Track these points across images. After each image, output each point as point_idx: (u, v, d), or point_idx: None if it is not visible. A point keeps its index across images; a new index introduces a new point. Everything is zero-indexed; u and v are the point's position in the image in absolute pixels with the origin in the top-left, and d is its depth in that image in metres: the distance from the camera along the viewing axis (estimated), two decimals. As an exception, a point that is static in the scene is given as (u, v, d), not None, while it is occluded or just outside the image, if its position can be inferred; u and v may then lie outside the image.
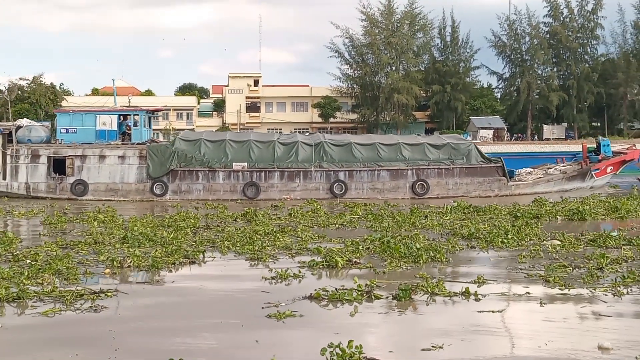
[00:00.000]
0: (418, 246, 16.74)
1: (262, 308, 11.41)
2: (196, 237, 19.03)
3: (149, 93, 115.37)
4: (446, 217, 23.58)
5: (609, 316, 11.10)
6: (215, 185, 33.27)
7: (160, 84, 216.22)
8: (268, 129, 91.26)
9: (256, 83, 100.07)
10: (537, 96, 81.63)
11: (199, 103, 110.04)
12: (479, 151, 35.83)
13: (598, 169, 37.41)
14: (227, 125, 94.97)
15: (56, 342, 9.85)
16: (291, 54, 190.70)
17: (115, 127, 35.42)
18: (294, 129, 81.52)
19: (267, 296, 12.35)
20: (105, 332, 10.27)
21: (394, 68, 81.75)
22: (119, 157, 33.40)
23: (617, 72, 78.71)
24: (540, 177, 36.47)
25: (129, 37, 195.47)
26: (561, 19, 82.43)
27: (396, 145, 34.89)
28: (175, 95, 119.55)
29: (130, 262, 14.89)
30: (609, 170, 37.98)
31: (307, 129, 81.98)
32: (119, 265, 14.72)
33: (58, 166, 33.38)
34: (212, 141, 34.23)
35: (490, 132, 74.60)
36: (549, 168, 38.15)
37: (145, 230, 19.26)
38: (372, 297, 12.14)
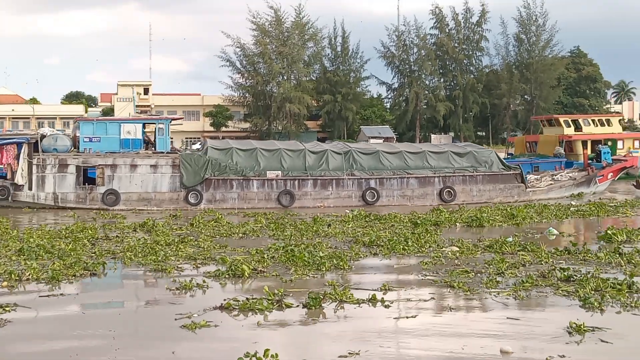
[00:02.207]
0: (322, 254, 16.82)
1: (175, 319, 11.19)
2: (95, 248, 18.50)
3: (33, 101, 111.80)
4: (348, 225, 23.80)
5: (516, 319, 11.44)
6: (250, 193, 33.20)
7: (46, 92, 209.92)
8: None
9: (146, 91, 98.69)
10: (425, 106, 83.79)
11: (86, 111, 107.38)
12: (500, 159, 37.23)
13: (602, 175, 39.21)
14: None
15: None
16: (183, 63, 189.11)
17: (139, 135, 34.79)
18: (185, 138, 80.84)
19: (175, 307, 12.12)
20: (14, 346, 9.92)
21: (285, 77, 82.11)
22: (151, 166, 32.93)
23: (501, 83, 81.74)
24: (552, 184, 37.78)
25: (14, 44, 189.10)
26: (447, 30, 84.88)
27: (422, 153, 35.82)
28: (62, 103, 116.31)
29: (29, 274, 14.31)
30: (609, 176, 39.99)
31: (198, 138, 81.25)
32: (17, 278, 14.12)
33: (87, 176, 32.61)
34: (243, 150, 34.19)
35: (380, 141, 75.83)
36: (553, 175, 39.55)
37: (42, 242, 18.58)
38: (283, 305, 12.11)
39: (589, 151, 47.02)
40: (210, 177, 32.98)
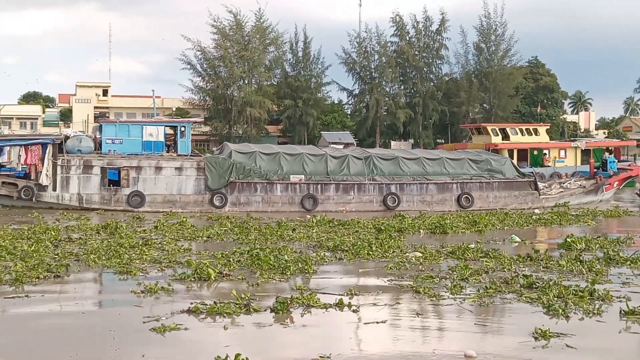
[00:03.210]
0: (287, 258, 16.84)
1: (144, 322, 11.11)
2: (58, 250, 18.24)
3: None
4: (313, 229, 23.84)
5: (483, 324, 11.58)
6: (274, 197, 33.60)
7: (1, 91, 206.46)
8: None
9: (105, 93, 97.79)
10: (385, 113, 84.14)
11: (44, 112, 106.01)
12: (515, 166, 38.27)
13: (609, 184, 40.05)
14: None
15: None
16: (142, 65, 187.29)
17: (162, 138, 34.88)
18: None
19: (141, 310, 12.04)
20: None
21: (246, 81, 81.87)
22: (176, 168, 33.11)
23: (460, 92, 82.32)
24: (562, 191, 38.35)
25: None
26: (407, 38, 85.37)
27: (440, 160, 36.52)
28: (19, 103, 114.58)
29: (-9, 276, 14.12)
30: (615, 185, 40.85)
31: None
32: (-22, 280, 13.92)
33: (113, 177, 32.49)
34: (266, 154, 34.53)
35: (341, 147, 75.81)
36: (561, 182, 40.15)
37: (4, 243, 18.29)
38: (251, 309, 12.10)
39: (515, 160, 47.95)
40: (235, 180, 33.38)
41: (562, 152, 55.37)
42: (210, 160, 33.78)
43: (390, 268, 16.51)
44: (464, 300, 13.23)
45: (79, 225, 24.25)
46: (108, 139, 34.56)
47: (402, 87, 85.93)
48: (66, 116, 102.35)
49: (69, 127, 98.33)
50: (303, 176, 34.13)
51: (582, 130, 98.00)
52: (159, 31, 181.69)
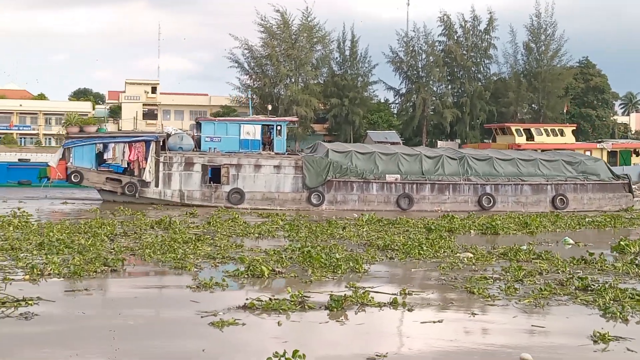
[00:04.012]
0: (338, 256, 16.87)
1: (201, 317, 11.24)
2: (114, 244, 18.55)
3: (41, 97, 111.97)
4: (363, 228, 23.86)
5: (541, 327, 11.47)
6: (370, 196, 34.23)
7: (54, 88, 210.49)
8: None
9: (154, 90, 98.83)
10: (432, 112, 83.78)
11: (94, 109, 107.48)
12: (609, 168, 38.34)
13: None
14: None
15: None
16: (190, 62, 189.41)
17: (258, 137, 35.69)
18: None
19: (198, 305, 12.16)
20: (50, 337, 10.00)
21: (293, 80, 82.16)
22: (275, 166, 33.98)
23: (509, 92, 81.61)
24: None
25: (21, 40, 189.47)
26: (455, 37, 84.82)
27: (534, 161, 36.88)
28: (70, 100, 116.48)
29: (51, 269, 14.35)
30: None
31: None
32: (39, 272, 14.16)
33: (213, 174, 33.47)
34: (362, 153, 35.19)
35: (388, 146, 75.88)
36: None
37: (62, 237, 18.63)
38: (306, 307, 12.14)
39: None
40: (332, 179, 33.91)
41: (588, 154, 54.65)
42: (308, 159, 34.41)
43: (443, 268, 16.45)
44: (519, 301, 13.11)
45: (134, 220, 24.61)
46: (207, 137, 35.48)
47: (450, 86, 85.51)
48: (115, 113, 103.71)
49: (117, 124, 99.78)
50: (399, 175, 34.41)
51: (632, 132, 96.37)
52: (206, 29, 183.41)
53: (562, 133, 55.61)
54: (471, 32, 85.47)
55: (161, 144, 33.98)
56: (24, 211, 26.07)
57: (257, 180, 33.85)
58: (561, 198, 35.74)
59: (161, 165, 33.52)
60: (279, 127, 36.69)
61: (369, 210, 32.60)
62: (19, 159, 51.24)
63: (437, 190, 34.82)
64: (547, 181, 36.08)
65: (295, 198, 33.93)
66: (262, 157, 34.45)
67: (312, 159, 34.44)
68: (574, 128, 61.15)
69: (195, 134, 36.10)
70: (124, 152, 34.31)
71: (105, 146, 35.57)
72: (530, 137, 54.11)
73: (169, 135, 34.92)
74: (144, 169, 33.38)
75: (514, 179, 35.73)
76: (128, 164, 34.39)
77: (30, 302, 11.81)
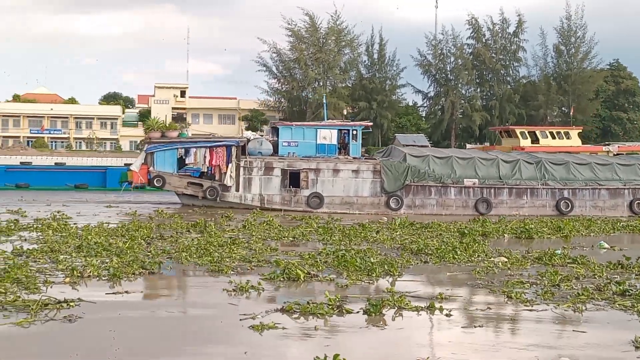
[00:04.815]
0: (373, 260, 16.87)
1: (240, 320, 11.31)
2: (150, 247, 18.71)
3: (72, 101, 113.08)
4: (396, 232, 23.85)
5: (582, 331, 11.40)
6: (448, 200, 34.41)
7: (84, 92, 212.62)
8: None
9: (183, 94, 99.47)
10: (461, 115, 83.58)
11: (123, 112, 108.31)
12: None
13: None
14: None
15: (46, 353, 9.53)
16: (219, 66, 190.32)
17: (335, 141, 36.06)
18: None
19: (236, 308, 12.23)
20: (93, 339, 10.13)
21: (321, 83, 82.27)
22: (353, 171, 34.27)
23: (538, 94, 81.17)
24: None
25: (51, 44, 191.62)
26: (483, 40, 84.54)
27: (610, 165, 36.73)
28: (100, 104, 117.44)
29: (90, 271, 14.52)
30: None
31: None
32: (79, 274, 14.34)
33: (292, 179, 33.97)
34: (439, 157, 35.36)
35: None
36: None
37: (100, 240, 18.83)
38: (343, 310, 12.15)
39: None
40: (410, 183, 34.05)
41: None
42: (387, 163, 34.54)
43: (478, 272, 16.39)
44: (557, 306, 13.03)
45: (170, 223, 24.78)
46: (284, 141, 35.87)
47: (479, 89, 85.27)
48: (145, 117, 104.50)
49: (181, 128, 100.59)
50: (477, 180, 34.51)
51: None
52: (234, 33, 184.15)
53: (567, 136, 55.01)
54: (500, 35, 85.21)
55: (243, 148, 34.43)
56: (63, 214, 26.40)
57: (335, 184, 34.12)
58: (639, 202, 35.55)
59: (242, 169, 33.98)
60: (354, 132, 36.83)
61: (447, 214, 33.03)
62: (21, 162, 51.72)
63: (515, 194, 34.85)
64: (625, 185, 35.87)
65: (374, 202, 34.11)
66: (341, 162, 34.76)
67: (390, 163, 34.57)
68: (580, 130, 60.41)
69: (272, 139, 36.26)
70: (205, 156, 34.87)
71: (187, 151, 36.25)
72: (535, 139, 53.67)
73: (248, 140, 35.40)
74: (225, 173, 33.80)
75: (592, 183, 35.60)
76: (208, 168, 35.00)
77: (71, 304, 11.94)
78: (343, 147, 36.62)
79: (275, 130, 37.31)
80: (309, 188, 33.97)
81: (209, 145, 34.84)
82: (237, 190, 33.94)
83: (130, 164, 50.12)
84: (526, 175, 35.20)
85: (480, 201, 34.38)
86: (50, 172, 46.97)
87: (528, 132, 55.34)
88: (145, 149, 34.96)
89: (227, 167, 33.81)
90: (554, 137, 54.04)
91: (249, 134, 38.26)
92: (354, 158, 35.83)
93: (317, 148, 35.95)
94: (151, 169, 34.11)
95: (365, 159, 36.39)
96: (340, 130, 37.02)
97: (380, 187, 34.10)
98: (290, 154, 35.30)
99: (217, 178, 34.19)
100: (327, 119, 41.59)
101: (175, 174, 34.61)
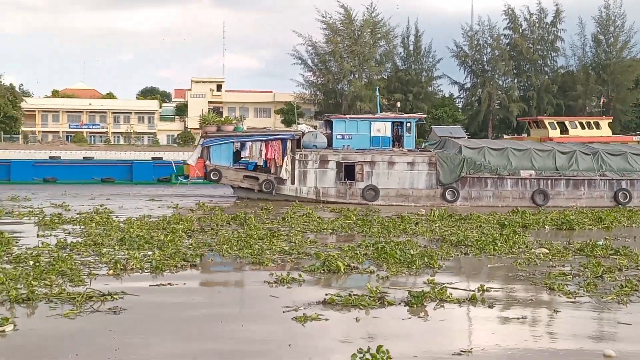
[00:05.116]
0: (412, 252, 16.84)
1: (283, 312, 11.39)
2: (192, 240, 18.89)
3: (110, 96, 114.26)
4: (435, 224, 23.80)
5: (628, 324, 11.30)
6: (504, 192, 34.39)
7: (121, 87, 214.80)
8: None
9: (219, 88, 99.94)
10: (498, 106, 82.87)
11: (160, 107, 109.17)
12: None
13: None
14: (189, 129, 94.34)
15: (99, 343, 9.69)
16: (254, 60, 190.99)
17: (389, 134, 36.15)
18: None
19: (278, 300, 12.31)
20: (139, 330, 10.30)
21: (356, 76, 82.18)
22: (408, 163, 34.37)
23: (577, 85, 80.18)
24: None
25: (89, 39, 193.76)
26: (520, 31, 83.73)
27: None
28: (137, 98, 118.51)
29: (133, 264, 14.71)
30: None
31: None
32: (122, 267, 14.54)
33: (347, 171, 34.28)
34: (495, 149, 35.37)
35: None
36: None
37: (142, 233, 19.05)
38: (385, 302, 12.17)
39: None
40: (466, 175, 34.10)
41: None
42: (442, 155, 34.52)
43: (519, 264, 16.30)
44: (601, 298, 12.92)
45: (211, 216, 24.96)
46: (338, 134, 35.95)
47: (516, 80, 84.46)
48: (181, 111, 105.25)
49: (183, 121, 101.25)
50: (533, 171, 34.38)
51: None
52: (269, 26, 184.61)
53: (597, 126, 54.14)
54: (537, 25, 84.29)
55: (298, 142, 34.72)
56: (106, 207, 26.83)
57: (390, 177, 34.15)
58: None
59: (297, 163, 34.27)
60: (408, 124, 36.77)
61: (504, 206, 32.78)
62: (50, 157, 52.39)
63: (572, 185, 34.63)
64: None
65: (430, 194, 34.13)
66: (396, 154, 34.77)
67: (446, 155, 34.54)
68: (610, 121, 59.39)
69: (325, 132, 36.47)
70: (261, 150, 35.16)
71: (243, 144, 36.44)
72: (564, 130, 52.95)
73: (303, 134, 35.59)
74: (281, 166, 34.13)
75: None
76: (264, 161, 35.27)
77: (115, 296, 12.11)
78: (397, 139, 36.57)
79: (328, 124, 37.36)
80: (364, 181, 34.05)
81: (264, 138, 35.14)
82: (293, 183, 34.23)
83: (158, 158, 50.74)
84: (583, 167, 34.87)
85: (537, 192, 34.20)
86: (77, 166, 47.62)
87: (557, 122, 54.70)
88: (201, 143, 35.32)
89: (282, 160, 34.11)
90: (583, 128, 53.35)
91: (303, 127, 38.37)
92: (409, 150, 35.79)
93: (371, 141, 35.86)
94: (207, 162, 34.50)
95: (419, 151, 36.38)
96: (394, 122, 36.94)
97: (435, 179, 34.10)
98: (345, 147, 35.36)
99: (272, 171, 34.54)
100: (380, 112, 41.39)
101: (232, 167, 35.03)
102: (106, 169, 46.92)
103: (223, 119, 37.81)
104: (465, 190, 34.14)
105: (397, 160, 34.39)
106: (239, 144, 36.22)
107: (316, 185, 34.15)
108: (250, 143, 36.23)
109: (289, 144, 34.43)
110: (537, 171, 34.45)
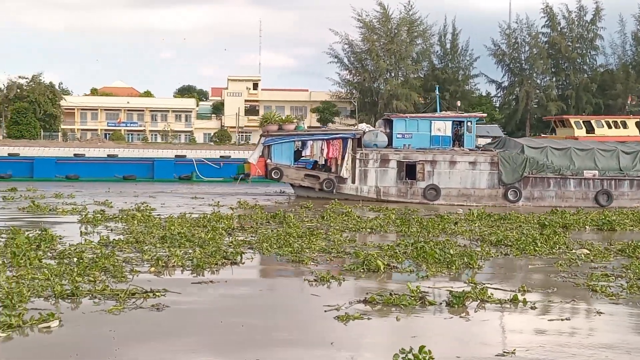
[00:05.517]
0: (452, 252, 16.77)
1: (325, 311, 11.41)
2: (232, 238, 19.01)
3: (147, 94, 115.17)
4: (475, 224, 23.68)
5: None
6: (567, 192, 34.36)
7: (159, 85, 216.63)
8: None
9: (255, 86, 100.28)
10: (536, 105, 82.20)
11: (197, 105, 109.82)
12: None
13: None
14: (225, 128, 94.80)
15: (143, 340, 9.82)
16: (291, 58, 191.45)
17: (449, 133, 36.22)
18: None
19: (318, 299, 12.33)
20: (182, 328, 10.37)
21: (392, 74, 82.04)
22: (470, 163, 34.47)
23: (616, 83, 79.18)
24: None
25: (127, 38, 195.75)
26: (559, 29, 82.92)
27: None
28: (175, 97, 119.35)
29: (174, 261, 14.84)
30: None
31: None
32: (163, 264, 14.67)
33: (408, 171, 34.42)
34: (557, 149, 35.32)
35: (489, 140, 74.76)
36: None
37: (182, 230, 19.21)
38: (426, 302, 12.13)
39: None
40: (529, 175, 34.04)
41: None
42: (505, 155, 34.43)
43: (560, 265, 16.16)
44: (645, 299, 12.77)
45: (251, 214, 25.10)
46: (399, 133, 35.99)
47: (554, 79, 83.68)
48: (218, 109, 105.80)
49: (220, 119, 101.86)
50: (596, 171, 34.15)
51: None
52: (305, 24, 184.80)
53: (624, 125, 53.22)
54: (576, 23, 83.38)
55: (359, 141, 34.83)
56: (147, 205, 27.12)
57: (452, 176, 34.14)
58: None
59: (357, 162, 34.38)
60: (469, 123, 36.67)
61: (567, 206, 32.39)
62: (74, 154, 52.92)
63: (637, 186, 34.39)
64: None
65: (491, 194, 34.06)
66: (457, 154, 34.72)
67: (508, 155, 34.42)
68: (639, 120, 58.46)
69: (385, 131, 36.47)
70: (322, 149, 35.44)
71: (304, 143, 36.68)
72: (590, 129, 52.22)
73: (364, 133, 35.66)
74: (341, 165, 34.27)
75: None
76: (325, 160, 35.60)
77: (157, 293, 12.21)
78: (457, 138, 36.42)
79: (388, 123, 37.25)
80: (425, 180, 34.04)
81: (325, 137, 35.42)
82: (353, 182, 34.33)
83: (182, 156, 51.16)
84: None
85: (600, 193, 33.95)
86: (100, 163, 48.18)
87: (583, 121, 54.01)
88: (262, 141, 35.60)
89: (343, 159, 34.18)
90: (610, 127, 52.57)
91: (364, 126, 38.51)
92: (470, 150, 35.65)
93: (431, 140, 35.80)
94: (268, 161, 34.87)
95: (481, 150, 36.19)
96: (454, 121, 36.82)
97: (497, 179, 33.99)
98: (405, 146, 35.28)
99: (333, 170, 34.73)
100: (440, 111, 41.29)
101: (293, 166, 35.35)
102: (128, 166, 47.40)
103: (284, 118, 38.19)
104: (527, 190, 33.96)
105: (459, 159, 34.30)
106: (300, 142, 36.44)
107: (377, 184, 34.19)
108: (311, 142, 36.38)
109: (350, 143, 34.55)
110: (601, 171, 34.13)
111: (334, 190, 34.10)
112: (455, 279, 14.42)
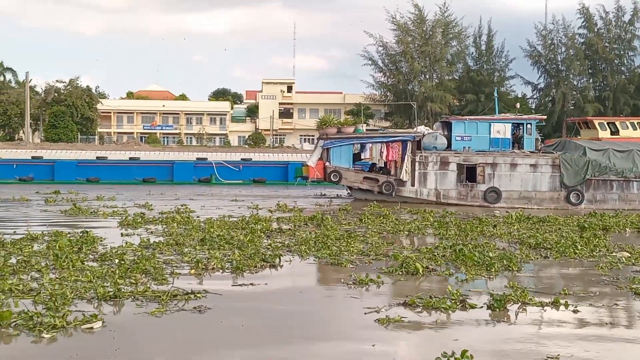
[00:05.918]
0: (491, 255, 16.65)
1: (365, 314, 11.40)
2: (270, 240, 19.09)
3: (183, 97, 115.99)
4: (514, 226, 23.51)
5: None
6: (630, 195, 34.35)
7: (194, 88, 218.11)
8: (300, 136, 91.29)
9: (289, 89, 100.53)
10: (572, 107, 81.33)
11: (232, 108, 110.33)
12: None
13: None
14: (259, 130, 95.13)
15: (188, 342, 9.85)
16: (324, 61, 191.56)
17: (509, 135, 36.20)
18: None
19: (358, 301, 12.33)
20: (226, 330, 10.45)
21: (427, 76, 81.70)
22: (531, 165, 34.40)
23: (655, 84, 78.07)
24: None
25: (162, 41, 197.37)
26: (595, 30, 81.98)
27: None
28: (209, 100, 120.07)
29: (214, 264, 14.92)
30: None
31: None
32: (203, 266, 14.76)
33: (468, 173, 34.57)
34: (620, 151, 35.17)
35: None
36: None
37: (222, 233, 19.33)
38: (467, 305, 12.06)
39: None
40: (591, 177, 33.85)
41: None
42: (567, 157, 34.22)
43: (602, 268, 15.97)
44: (691, 304, 12.57)
45: (290, 217, 25.18)
46: (458, 136, 35.97)
47: (591, 80, 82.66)
48: (252, 112, 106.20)
49: (254, 122, 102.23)
50: None
51: None
52: (338, 27, 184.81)
53: None
54: (613, 24, 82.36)
55: (418, 143, 34.90)
56: (187, 207, 27.33)
57: (513, 179, 34.02)
58: None
59: (417, 164, 34.42)
60: (528, 126, 36.42)
61: (630, 209, 32.20)
62: (97, 157, 53.48)
63: None
64: None
65: (553, 197, 33.92)
66: (518, 156, 34.54)
67: (570, 157, 34.19)
68: None
69: (443, 133, 36.50)
70: (381, 152, 35.65)
71: (363, 146, 37.02)
72: (615, 131, 51.48)
73: (423, 135, 35.74)
74: (401, 168, 34.32)
75: None
76: (385, 163, 35.78)
77: (198, 295, 12.28)
78: (516, 141, 36.19)
79: (446, 125, 37.19)
80: (486, 183, 33.94)
81: (385, 140, 35.52)
82: (413, 185, 34.33)
83: (202, 159, 51.47)
84: None
85: None
86: (120, 166, 48.59)
87: (607, 123, 53.33)
88: (321, 144, 35.74)
89: (402, 162, 34.11)
90: (635, 128, 51.84)
91: (423, 128, 38.52)
92: (530, 152, 35.34)
93: (491, 142, 35.57)
94: (327, 164, 35.06)
95: (542, 152, 35.92)
96: (513, 124, 36.60)
97: (559, 181, 33.79)
98: (465, 149, 35.18)
99: (392, 173, 34.81)
100: (499, 113, 41.07)
101: (351, 169, 35.53)
102: (148, 169, 47.84)
103: (343, 121, 38.44)
104: (590, 193, 33.71)
105: (520, 162, 34.08)
106: (359, 145, 36.48)
107: (436, 187, 34.16)
108: (370, 145, 36.49)
109: (409, 146, 34.58)
110: None
111: (393, 193, 34.12)
112: (495, 282, 14.31)
